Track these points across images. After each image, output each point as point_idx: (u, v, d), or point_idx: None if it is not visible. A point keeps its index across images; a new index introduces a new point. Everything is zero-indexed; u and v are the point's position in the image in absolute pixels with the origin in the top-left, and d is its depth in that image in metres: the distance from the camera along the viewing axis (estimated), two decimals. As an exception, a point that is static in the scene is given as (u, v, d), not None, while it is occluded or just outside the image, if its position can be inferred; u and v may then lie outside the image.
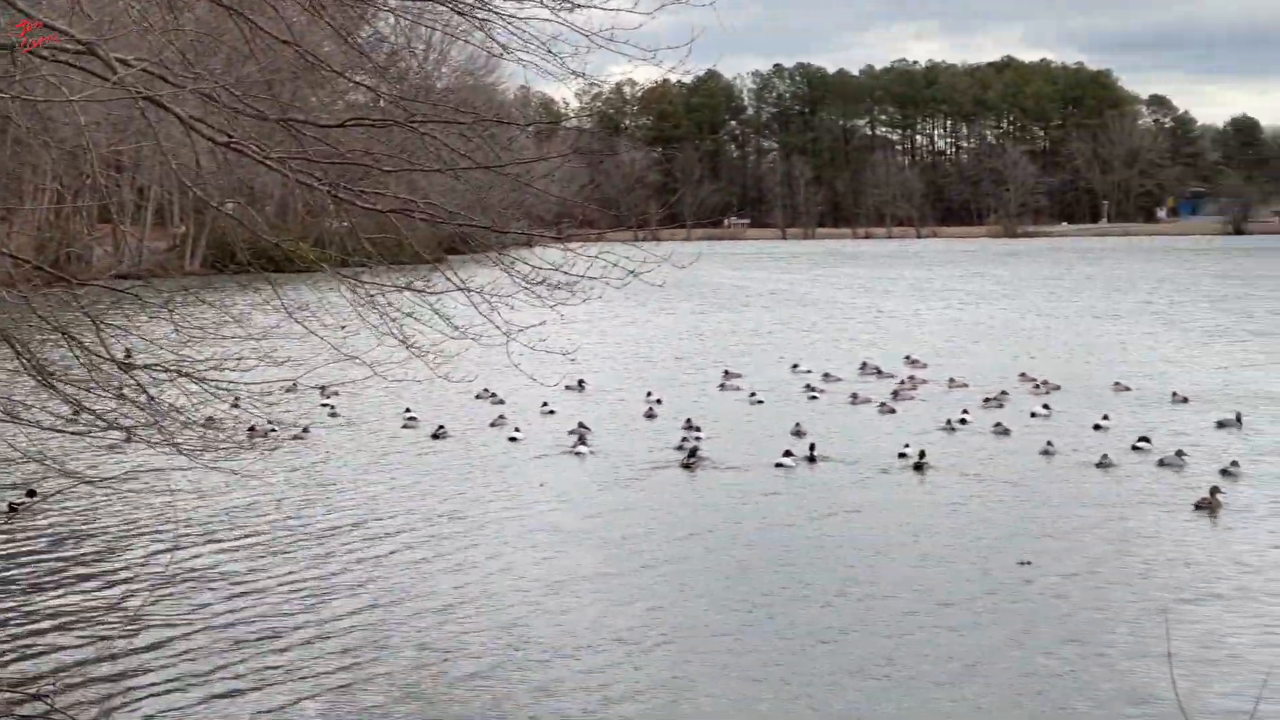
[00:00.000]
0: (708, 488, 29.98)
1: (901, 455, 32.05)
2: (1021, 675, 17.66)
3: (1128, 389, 43.54)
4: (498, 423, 37.85)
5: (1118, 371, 48.20)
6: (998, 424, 36.64)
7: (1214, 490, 27.29)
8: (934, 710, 16.57)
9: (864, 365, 50.12)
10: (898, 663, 18.17)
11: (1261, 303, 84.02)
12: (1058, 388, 43.59)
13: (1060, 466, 31.62)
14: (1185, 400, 41.08)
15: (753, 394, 43.40)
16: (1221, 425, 36.42)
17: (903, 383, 45.18)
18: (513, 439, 35.73)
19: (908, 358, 52.44)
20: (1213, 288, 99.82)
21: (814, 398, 42.89)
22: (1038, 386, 43.82)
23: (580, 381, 45.01)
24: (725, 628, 19.83)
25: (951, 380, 45.60)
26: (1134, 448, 32.90)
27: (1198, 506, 26.81)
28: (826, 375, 47.64)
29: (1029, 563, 23.02)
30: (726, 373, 48.35)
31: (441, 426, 37.00)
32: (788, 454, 32.25)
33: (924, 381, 45.82)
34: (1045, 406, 39.22)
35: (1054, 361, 52.46)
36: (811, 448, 32.94)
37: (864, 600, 21.18)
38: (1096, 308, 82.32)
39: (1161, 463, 31.16)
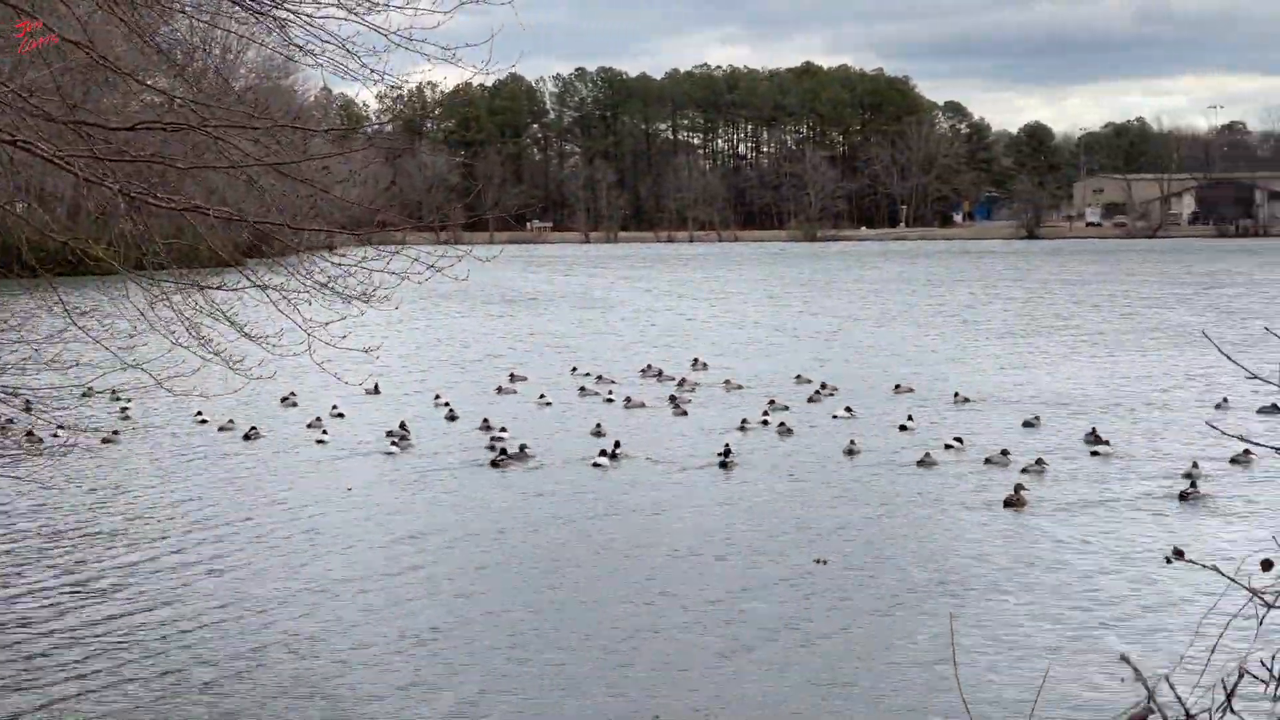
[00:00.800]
0: (517, 486, 30.04)
1: (719, 455, 32.38)
2: (810, 672, 17.96)
3: (910, 390, 44.32)
4: (314, 424, 37.55)
5: (899, 373, 48.93)
6: (781, 424, 37.22)
7: (1018, 488, 28.00)
8: (724, 706, 16.77)
9: (647, 368, 50.58)
10: (689, 659, 18.40)
11: (1044, 304, 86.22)
12: (836, 389, 44.13)
13: (866, 465, 32.15)
14: (967, 400, 41.94)
15: (541, 395, 43.49)
16: (1027, 425, 37.26)
17: (680, 385, 45.69)
18: (320, 441, 35.40)
19: (695, 360, 52.86)
20: (1000, 289, 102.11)
21: (609, 400, 43.15)
22: (820, 390, 44.27)
23: (375, 385, 44.76)
24: (524, 625, 19.89)
25: (728, 382, 46.26)
26: (947, 446, 33.55)
27: (1007, 504, 27.49)
28: (600, 378, 47.89)
29: (826, 561, 23.41)
30: (512, 375, 48.67)
31: (254, 428, 36.59)
32: (604, 453, 32.52)
33: (697, 384, 46.16)
34: (848, 409, 39.71)
35: (837, 363, 53.26)
36: (616, 445, 33.21)
37: (661, 597, 21.39)
38: (885, 310, 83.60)
39: (988, 461, 31.89)
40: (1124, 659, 5.73)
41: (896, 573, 22.77)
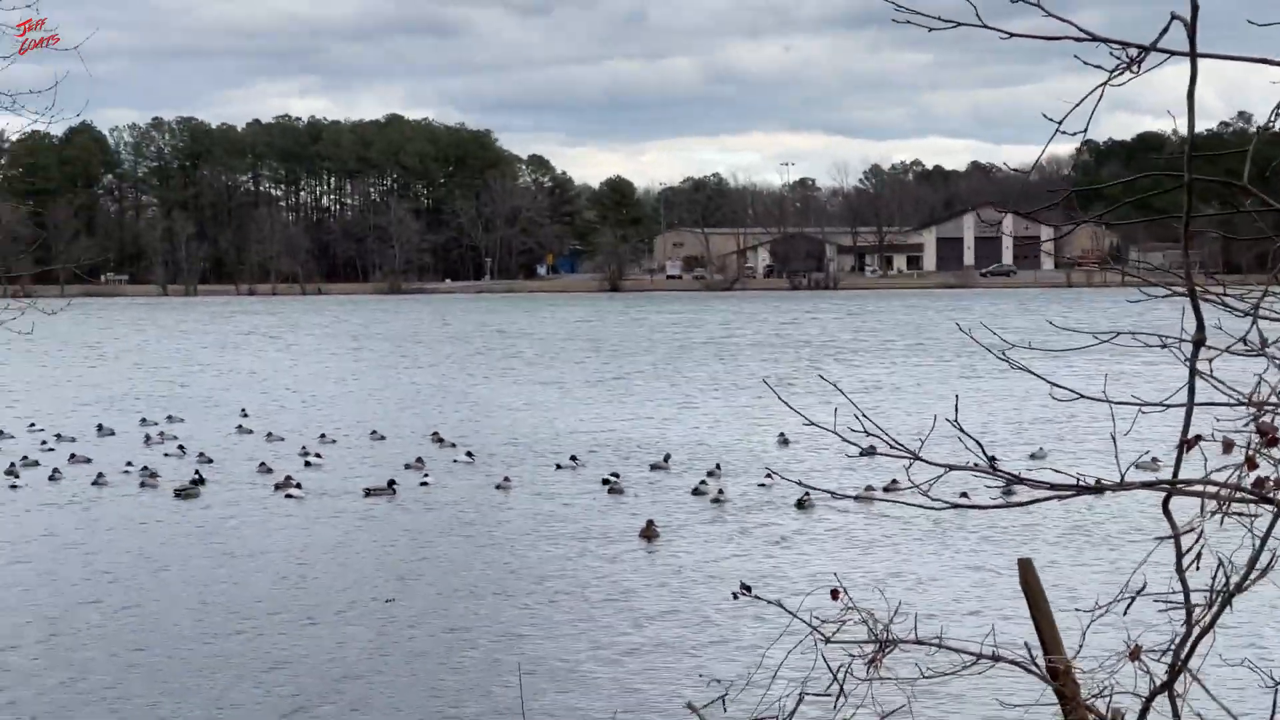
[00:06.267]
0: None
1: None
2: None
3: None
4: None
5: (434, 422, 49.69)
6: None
7: (650, 523, 28.73)
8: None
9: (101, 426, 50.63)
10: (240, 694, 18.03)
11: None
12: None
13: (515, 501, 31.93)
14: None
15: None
16: (654, 467, 38.14)
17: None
18: None
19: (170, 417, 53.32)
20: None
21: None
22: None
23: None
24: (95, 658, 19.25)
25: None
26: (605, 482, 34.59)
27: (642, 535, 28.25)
28: (59, 435, 47.63)
29: (394, 600, 22.78)
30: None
31: None
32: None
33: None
34: (467, 454, 40.19)
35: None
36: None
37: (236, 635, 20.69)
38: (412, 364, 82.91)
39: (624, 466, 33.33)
40: (689, 707, 5.67)
41: (481, 612, 22.02)
